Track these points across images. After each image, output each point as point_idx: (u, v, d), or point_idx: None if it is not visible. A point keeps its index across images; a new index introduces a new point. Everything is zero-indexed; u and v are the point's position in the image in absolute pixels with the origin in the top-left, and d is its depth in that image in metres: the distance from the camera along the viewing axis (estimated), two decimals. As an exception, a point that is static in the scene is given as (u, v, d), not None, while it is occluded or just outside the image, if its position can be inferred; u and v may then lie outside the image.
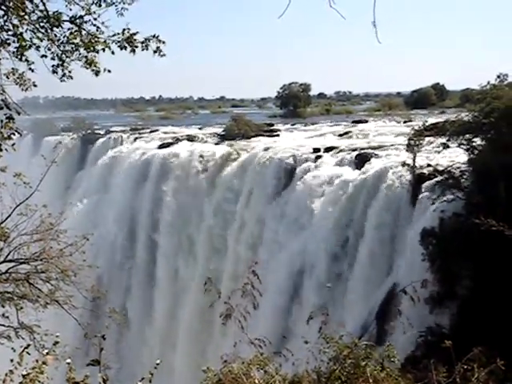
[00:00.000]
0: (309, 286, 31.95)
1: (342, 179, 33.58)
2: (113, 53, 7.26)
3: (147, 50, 7.30)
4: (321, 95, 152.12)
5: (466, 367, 8.27)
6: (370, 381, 8.38)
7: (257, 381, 8.88)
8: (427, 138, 29.49)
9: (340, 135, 50.80)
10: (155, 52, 7.36)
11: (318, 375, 9.04)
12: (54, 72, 7.38)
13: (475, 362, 8.47)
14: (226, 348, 9.67)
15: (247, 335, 8.19)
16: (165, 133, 60.25)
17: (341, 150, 38.97)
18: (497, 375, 8.53)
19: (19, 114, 7.58)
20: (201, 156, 45.40)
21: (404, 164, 29.80)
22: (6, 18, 7.14)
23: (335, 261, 31.31)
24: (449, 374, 8.31)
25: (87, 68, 7.29)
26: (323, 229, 32.31)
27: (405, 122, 59.95)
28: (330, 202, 32.93)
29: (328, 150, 39.80)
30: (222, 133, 54.06)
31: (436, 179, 27.35)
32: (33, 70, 7.40)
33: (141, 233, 46.66)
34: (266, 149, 42.64)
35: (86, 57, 7.27)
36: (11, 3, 7.06)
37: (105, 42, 7.20)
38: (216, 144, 49.62)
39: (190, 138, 53.21)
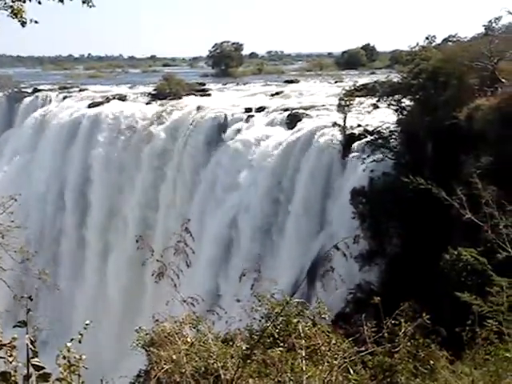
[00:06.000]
0: (241, 244, 32.17)
1: (274, 139, 33.68)
2: (39, 2, 6.94)
3: None
4: (253, 55, 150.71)
5: (393, 322, 8.47)
6: (302, 337, 8.51)
7: (189, 339, 8.91)
8: (357, 99, 29.80)
9: (272, 95, 50.75)
10: (84, 2, 7.04)
11: (250, 333, 9.13)
12: (-23, 21, 7.02)
13: (403, 316, 8.67)
14: (159, 307, 9.65)
15: (179, 294, 8.17)
16: (94, 92, 59.09)
17: (272, 110, 38.99)
18: (423, 329, 8.77)
19: None
20: (132, 115, 44.78)
21: (335, 124, 30.09)
22: None
23: (268, 219, 31.55)
24: (378, 329, 8.50)
25: (13, 18, 6.93)
26: (255, 187, 32.46)
27: (336, 83, 60.29)
28: (262, 162, 33.04)
29: (260, 109, 39.76)
30: (153, 92, 53.28)
31: (366, 139, 27.75)
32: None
33: (71, 192, 45.90)
34: (199, 108, 42.33)
35: (11, 6, 6.91)
36: None
37: (31, -11, 6.86)
38: (147, 103, 48.96)
39: (121, 97, 52.30)
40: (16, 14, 6.92)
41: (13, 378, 4.29)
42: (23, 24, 6.99)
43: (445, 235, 20.21)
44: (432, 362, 8.58)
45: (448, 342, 9.57)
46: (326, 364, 8.01)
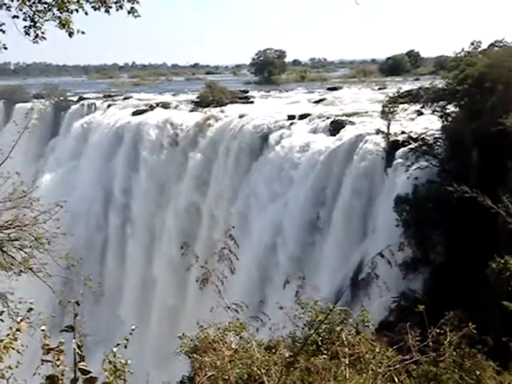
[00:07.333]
0: (284, 251, 32.11)
1: (317, 146, 33.56)
2: (86, 13, 7.03)
3: (121, 9, 7.05)
4: (296, 62, 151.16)
5: (438, 331, 8.37)
6: (346, 345, 8.46)
7: (233, 346, 8.93)
8: (401, 105, 29.49)
9: (315, 102, 50.64)
10: (129, 12, 7.12)
11: (293, 340, 9.12)
12: (27, 33, 7.12)
13: (448, 325, 8.56)
14: (202, 313, 9.68)
15: (224, 300, 8.18)
16: (138, 99, 59.70)
17: (315, 117, 38.84)
18: (469, 338, 8.65)
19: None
20: (175, 123, 45.12)
21: (378, 131, 29.85)
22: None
23: (311, 226, 31.46)
24: (422, 338, 8.40)
25: (61, 29, 7.02)
26: (298, 195, 32.39)
27: (379, 89, 59.92)
28: (305, 169, 32.96)
29: (302, 116, 39.62)
30: (197, 100, 53.57)
31: (410, 146, 27.44)
32: (4, 32, 7.14)
33: (115, 199, 46.41)
34: (241, 116, 42.43)
35: (59, 17, 7.00)
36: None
37: (78, 1, 6.94)
38: (190, 111, 49.23)
39: (164, 105, 52.73)
40: (64, 24, 7.01)
41: (60, 382, 4.35)
42: (70, 34, 7.08)
43: (490, 243, 19.89)
44: (478, 372, 8.46)
45: (495, 352, 9.42)
46: (370, 372, 7.95)
